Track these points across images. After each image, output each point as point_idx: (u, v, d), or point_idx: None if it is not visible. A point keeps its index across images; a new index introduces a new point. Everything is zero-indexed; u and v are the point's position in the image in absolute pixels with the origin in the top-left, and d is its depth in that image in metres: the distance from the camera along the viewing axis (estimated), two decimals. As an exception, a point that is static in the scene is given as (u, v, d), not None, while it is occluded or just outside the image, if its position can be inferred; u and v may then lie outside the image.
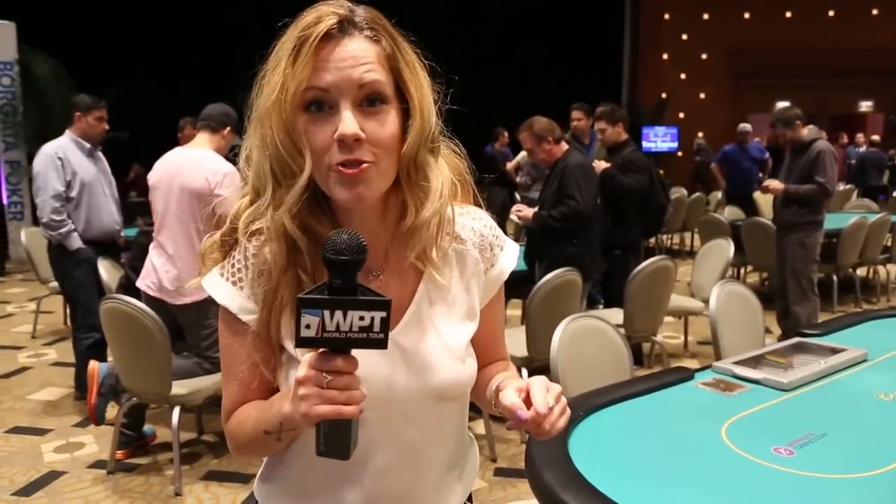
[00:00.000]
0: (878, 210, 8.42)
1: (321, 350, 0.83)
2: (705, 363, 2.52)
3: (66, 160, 4.12)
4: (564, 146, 4.43)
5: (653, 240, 8.52)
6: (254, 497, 1.16)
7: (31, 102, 8.69)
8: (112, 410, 3.54)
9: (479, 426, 3.65)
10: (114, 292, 3.76)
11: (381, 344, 0.83)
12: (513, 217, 4.57)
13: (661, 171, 5.92)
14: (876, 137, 13.31)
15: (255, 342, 0.98)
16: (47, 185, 4.07)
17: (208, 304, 1.19)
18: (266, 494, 1.12)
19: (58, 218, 4.07)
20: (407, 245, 1.00)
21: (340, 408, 0.82)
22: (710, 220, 7.39)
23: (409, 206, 0.99)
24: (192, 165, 3.38)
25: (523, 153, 6.62)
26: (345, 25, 0.93)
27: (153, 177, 3.50)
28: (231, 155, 1.19)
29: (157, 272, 3.41)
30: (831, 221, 5.61)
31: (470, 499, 1.19)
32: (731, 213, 7.92)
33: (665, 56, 15.47)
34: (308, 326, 0.81)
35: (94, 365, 3.41)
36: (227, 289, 1.01)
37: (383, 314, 0.82)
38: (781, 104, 7.27)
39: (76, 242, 4.12)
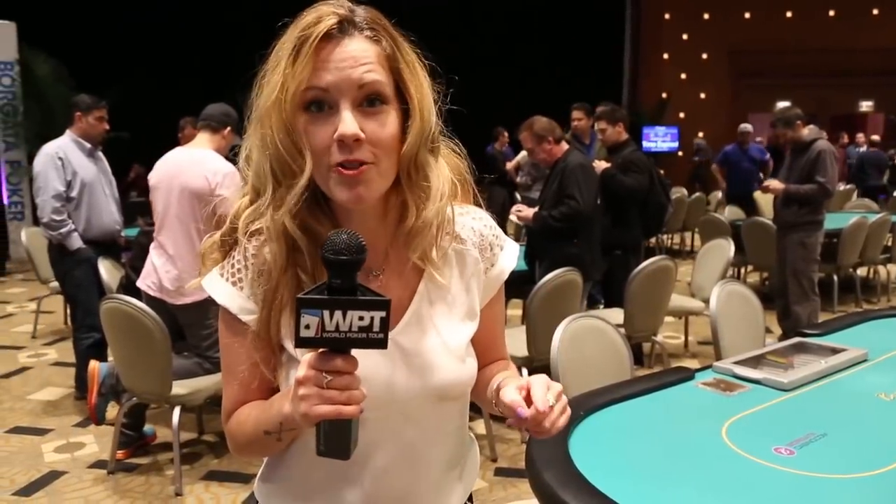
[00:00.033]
0: (878, 210, 8.42)
1: (321, 350, 0.83)
2: (706, 363, 2.52)
3: (67, 160, 4.12)
4: (565, 146, 4.42)
5: (653, 240, 8.53)
6: (254, 497, 1.16)
7: (31, 102, 8.68)
8: (112, 410, 3.54)
9: (480, 426, 3.65)
10: (114, 292, 3.76)
11: (381, 344, 0.83)
12: (513, 217, 4.57)
13: (662, 171, 5.91)
14: (876, 137, 13.29)
15: (255, 342, 0.98)
16: (48, 185, 4.07)
17: (209, 304, 1.19)
18: (266, 494, 1.12)
19: (58, 218, 4.07)
20: (408, 245, 1.00)
21: (340, 408, 0.82)
22: (710, 219, 7.38)
23: (409, 207, 0.99)
24: (192, 165, 3.38)
25: (523, 153, 6.61)
26: (345, 25, 0.93)
27: (153, 177, 3.50)
28: (231, 155, 1.19)
29: (157, 272, 3.42)
30: (832, 221, 5.61)
31: (470, 499, 1.19)
32: (731, 212, 7.92)
33: (665, 56, 15.45)
34: (308, 326, 0.81)
35: (94, 365, 3.41)
36: (227, 289, 1.01)
37: (383, 314, 0.82)
38: (782, 104, 7.29)
39: (76, 242, 4.12)
